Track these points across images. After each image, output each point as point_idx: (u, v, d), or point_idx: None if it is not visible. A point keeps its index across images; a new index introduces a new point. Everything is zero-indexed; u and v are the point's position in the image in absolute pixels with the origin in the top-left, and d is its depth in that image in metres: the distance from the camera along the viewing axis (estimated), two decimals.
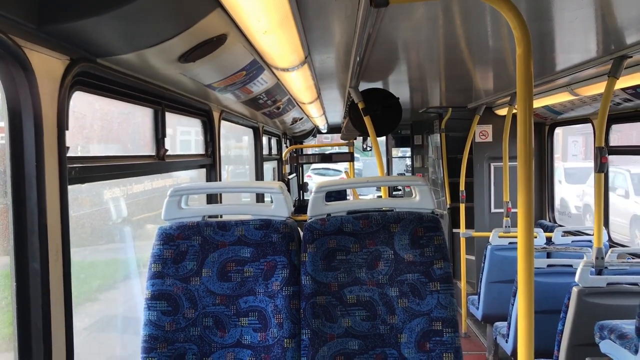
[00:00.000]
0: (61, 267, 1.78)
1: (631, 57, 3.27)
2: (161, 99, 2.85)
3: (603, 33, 2.90)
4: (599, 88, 4.29)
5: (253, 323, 2.29)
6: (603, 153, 3.46)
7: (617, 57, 3.28)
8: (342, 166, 20.37)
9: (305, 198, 10.31)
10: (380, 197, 4.65)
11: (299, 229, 2.44)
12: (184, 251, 2.32)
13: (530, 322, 1.86)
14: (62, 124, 1.78)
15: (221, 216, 2.75)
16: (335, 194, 7.54)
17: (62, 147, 1.78)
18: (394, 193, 10.55)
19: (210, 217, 2.47)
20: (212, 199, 3.69)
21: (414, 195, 2.42)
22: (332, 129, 11.43)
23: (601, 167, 3.48)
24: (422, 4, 2.29)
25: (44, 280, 1.69)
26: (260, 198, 5.64)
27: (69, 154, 1.86)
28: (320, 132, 11.46)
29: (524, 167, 1.83)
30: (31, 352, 1.68)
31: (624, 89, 4.15)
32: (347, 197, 8.99)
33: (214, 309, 2.30)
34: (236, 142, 6.82)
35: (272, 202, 2.40)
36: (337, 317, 2.29)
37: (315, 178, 20.52)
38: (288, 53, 2.79)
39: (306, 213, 2.48)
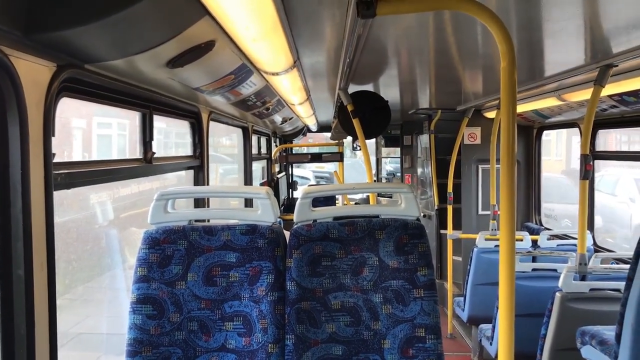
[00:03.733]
0: (46, 274, 1.78)
1: (617, 65, 3.31)
2: (149, 102, 2.84)
3: (589, 42, 2.93)
4: (585, 94, 4.33)
5: (238, 328, 2.31)
6: (588, 160, 3.50)
7: (603, 66, 3.31)
8: (309, 172, 19.57)
9: (294, 197, 10.32)
10: (368, 197, 4.68)
11: (285, 234, 2.45)
12: (169, 255, 2.33)
13: (511, 326, 1.88)
14: (48, 131, 1.78)
15: (208, 220, 2.76)
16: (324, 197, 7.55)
17: (47, 153, 1.78)
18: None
19: (197, 221, 2.47)
20: (199, 202, 3.69)
21: (399, 202, 2.44)
22: (323, 128, 11.45)
23: (586, 174, 3.51)
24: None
25: (28, 287, 1.69)
26: (249, 201, 5.64)
27: (55, 160, 1.85)
28: (310, 131, 11.47)
29: (507, 175, 1.85)
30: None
31: (610, 96, 4.19)
32: (337, 199, 9.01)
33: (199, 313, 2.31)
34: (226, 140, 6.81)
35: (259, 206, 2.42)
36: (321, 323, 2.31)
37: None
38: (277, 58, 2.80)
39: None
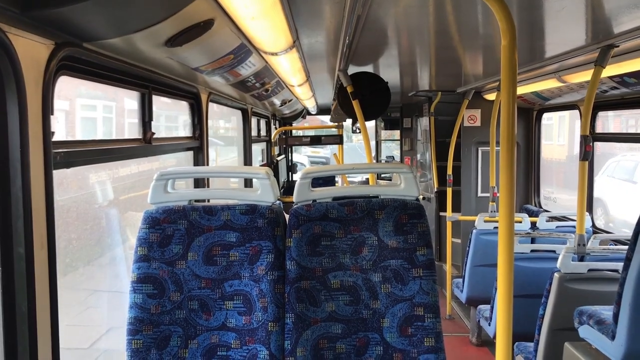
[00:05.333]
0: (46, 251, 1.79)
1: (618, 46, 3.29)
2: (148, 82, 2.83)
3: (591, 22, 2.92)
4: (586, 76, 4.32)
5: (238, 306, 2.32)
6: (587, 141, 3.50)
7: (604, 46, 3.30)
8: (304, 158, 19.30)
9: (294, 179, 10.32)
10: (368, 179, 4.69)
11: (285, 214, 2.46)
12: (170, 235, 2.33)
13: (509, 306, 1.90)
14: (47, 109, 1.77)
15: (208, 200, 2.77)
16: (323, 178, 7.56)
17: (47, 132, 1.78)
18: (382, 176, 10.60)
19: (196, 201, 2.48)
20: (199, 182, 3.69)
21: (399, 182, 2.44)
22: (322, 111, 11.42)
23: (585, 155, 3.51)
24: None
25: (29, 265, 1.70)
26: (248, 182, 5.64)
27: (54, 139, 1.85)
28: (309, 114, 11.44)
29: (506, 156, 1.85)
30: (16, 336, 1.69)
31: (611, 77, 4.18)
32: (336, 181, 9.01)
33: (199, 292, 2.32)
34: (225, 122, 6.77)
35: (258, 187, 2.42)
36: (321, 302, 2.32)
37: None
38: (276, 37, 2.78)
39: None
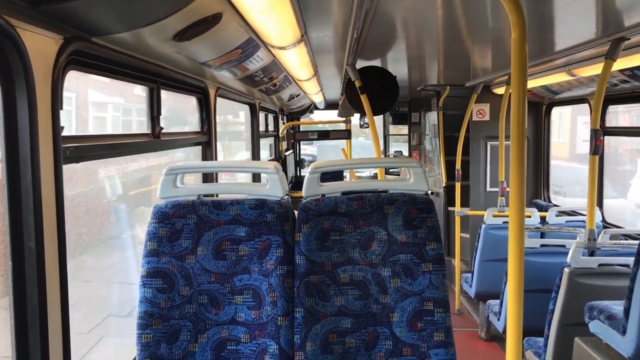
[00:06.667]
0: (56, 245, 1.80)
1: (629, 39, 3.27)
2: (156, 77, 2.84)
3: (601, 15, 2.89)
4: (596, 69, 4.28)
5: (247, 301, 2.32)
6: (598, 135, 3.47)
7: (614, 39, 3.27)
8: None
9: (302, 175, 10.32)
10: (376, 175, 4.68)
11: (293, 209, 2.45)
12: (179, 229, 2.33)
13: (520, 301, 1.89)
14: (56, 104, 1.78)
15: (217, 195, 2.77)
16: (332, 173, 7.54)
17: (56, 126, 1.78)
18: (390, 170, 10.58)
19: (205, 195, 2.48)
20: (208, 177, 3.69)
21: (408, 176, 2.43)
22: (330, 105, 11.40)
23: (596, 150, 3.49)
24: None
25: (40, 258, 1.71)
26: (257, 176, 5.64)
27: (64, 134, 1.86)
28: (317, 109, 11.42)
29: (517, 151, 1.84)
30: (27, 330, 1.70)
31: (621, 71, 4.14)
32: (345, 175, 9.00)
33: (208, 286, 2.33)
34: (233, 117, 6.77)
35: (267, 181, 2.42)
36: (330, 296, 2.32)
37: None
38: (284, 31, 2.78)
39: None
